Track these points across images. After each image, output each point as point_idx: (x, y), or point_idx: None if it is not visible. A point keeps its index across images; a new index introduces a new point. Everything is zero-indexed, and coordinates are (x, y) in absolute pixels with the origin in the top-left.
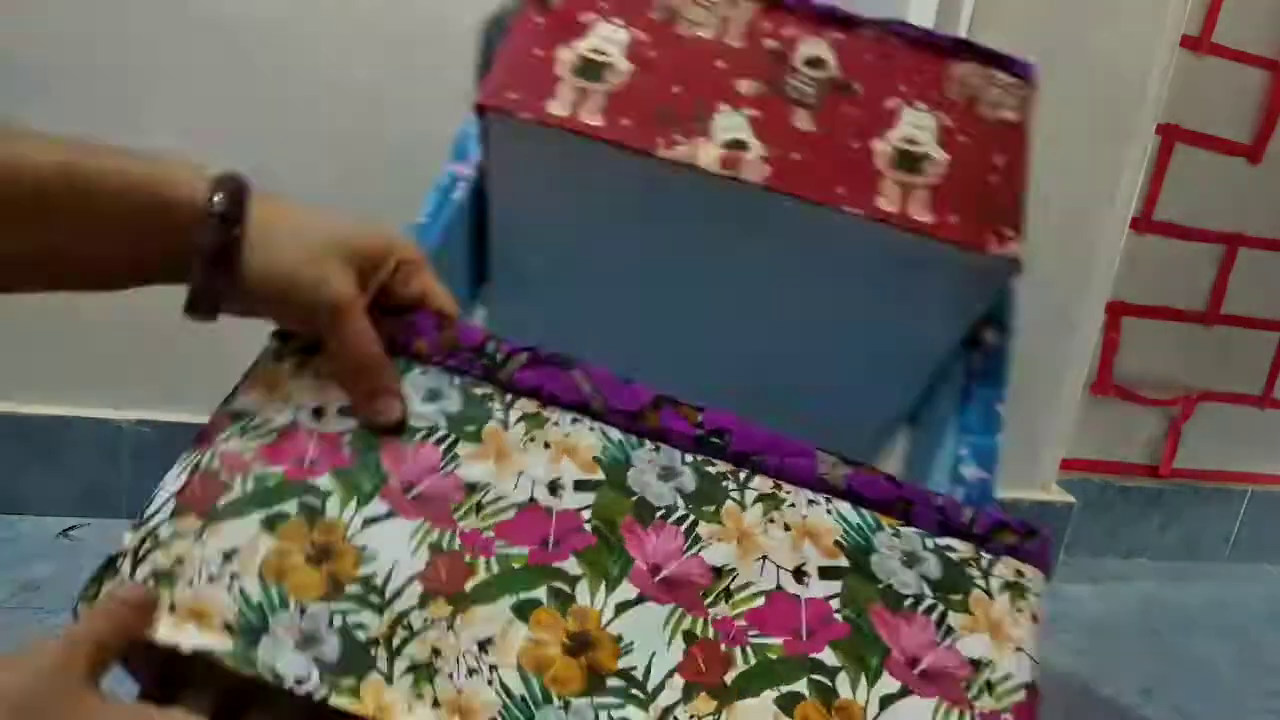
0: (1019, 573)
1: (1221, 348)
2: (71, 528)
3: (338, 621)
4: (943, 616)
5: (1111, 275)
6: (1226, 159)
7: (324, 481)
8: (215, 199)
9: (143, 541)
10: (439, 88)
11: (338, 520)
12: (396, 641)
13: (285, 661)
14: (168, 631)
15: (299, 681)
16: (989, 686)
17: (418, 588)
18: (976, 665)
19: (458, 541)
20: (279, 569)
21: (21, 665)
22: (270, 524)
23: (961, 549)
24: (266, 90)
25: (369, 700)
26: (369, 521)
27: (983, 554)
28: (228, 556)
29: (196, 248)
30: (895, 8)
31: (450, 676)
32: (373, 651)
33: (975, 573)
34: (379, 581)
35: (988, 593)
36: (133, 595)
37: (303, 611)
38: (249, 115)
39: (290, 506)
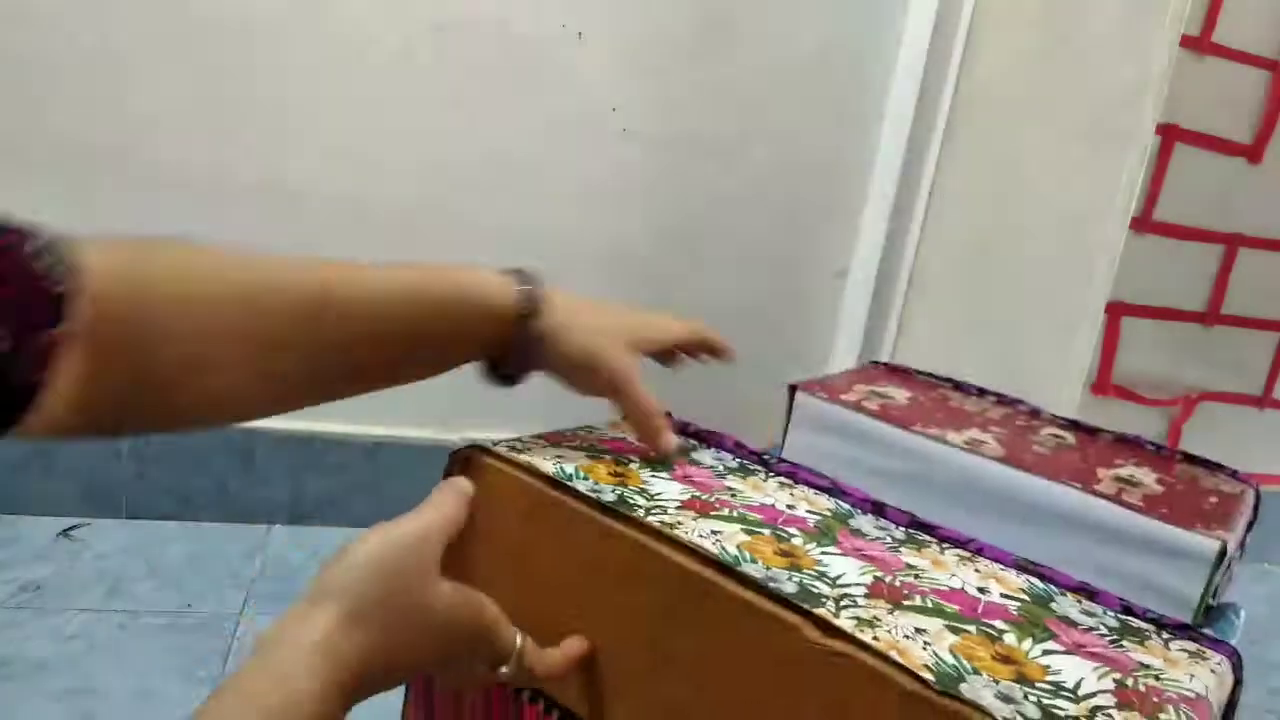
0: (1200, 651)
1: (1221, 348)
2: (72, 528)
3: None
4: (1116, 640)
5: (1111, 275)
6: (1226, 159)
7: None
8: (519, 299)
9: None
10: (440, 90)
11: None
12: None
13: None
14: None
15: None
16: (1156, 677)
17: (863, 589)
18: (1150, 671)
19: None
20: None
21: (389, 533)
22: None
23: (1142, 624)
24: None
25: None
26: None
27: (1164, 630)
28: None
29: (506, 344)
30: (894, 9)
31: (888, 631)
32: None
33: (1152, 635)
34: (830, 575)
35: (1164, 644)
36: (461, 485)
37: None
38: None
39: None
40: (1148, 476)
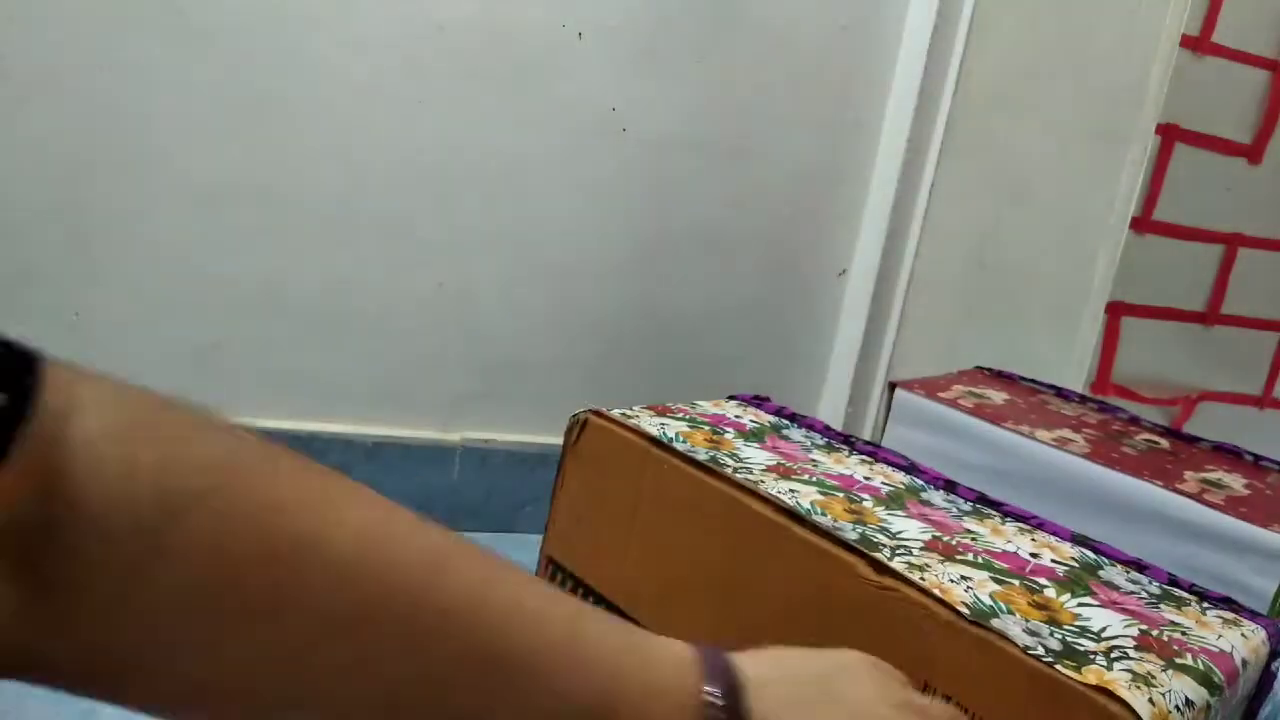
0: (1237, 620)
1: (1221, 348)
2: None
3: None
4: (1154, 603)
5: (1111, 275)
6: (1226, 159)
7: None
8: (711, 694)
9: None
10: (439, 89)
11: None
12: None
13: None
14: None
15: None
16: (1183, 632)
17: (920, 544)
18: (1179, 628)
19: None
20: None
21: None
22: None
23: (1185, 594)
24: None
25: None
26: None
27: (1205, 600)
28: None
29: None
30: (894, 8)
31: (936, 576)
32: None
33: (1192, 603)
34: (891, 530)
35: (1202, 611)
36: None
37: None
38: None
39: None
40: (1236, 481)
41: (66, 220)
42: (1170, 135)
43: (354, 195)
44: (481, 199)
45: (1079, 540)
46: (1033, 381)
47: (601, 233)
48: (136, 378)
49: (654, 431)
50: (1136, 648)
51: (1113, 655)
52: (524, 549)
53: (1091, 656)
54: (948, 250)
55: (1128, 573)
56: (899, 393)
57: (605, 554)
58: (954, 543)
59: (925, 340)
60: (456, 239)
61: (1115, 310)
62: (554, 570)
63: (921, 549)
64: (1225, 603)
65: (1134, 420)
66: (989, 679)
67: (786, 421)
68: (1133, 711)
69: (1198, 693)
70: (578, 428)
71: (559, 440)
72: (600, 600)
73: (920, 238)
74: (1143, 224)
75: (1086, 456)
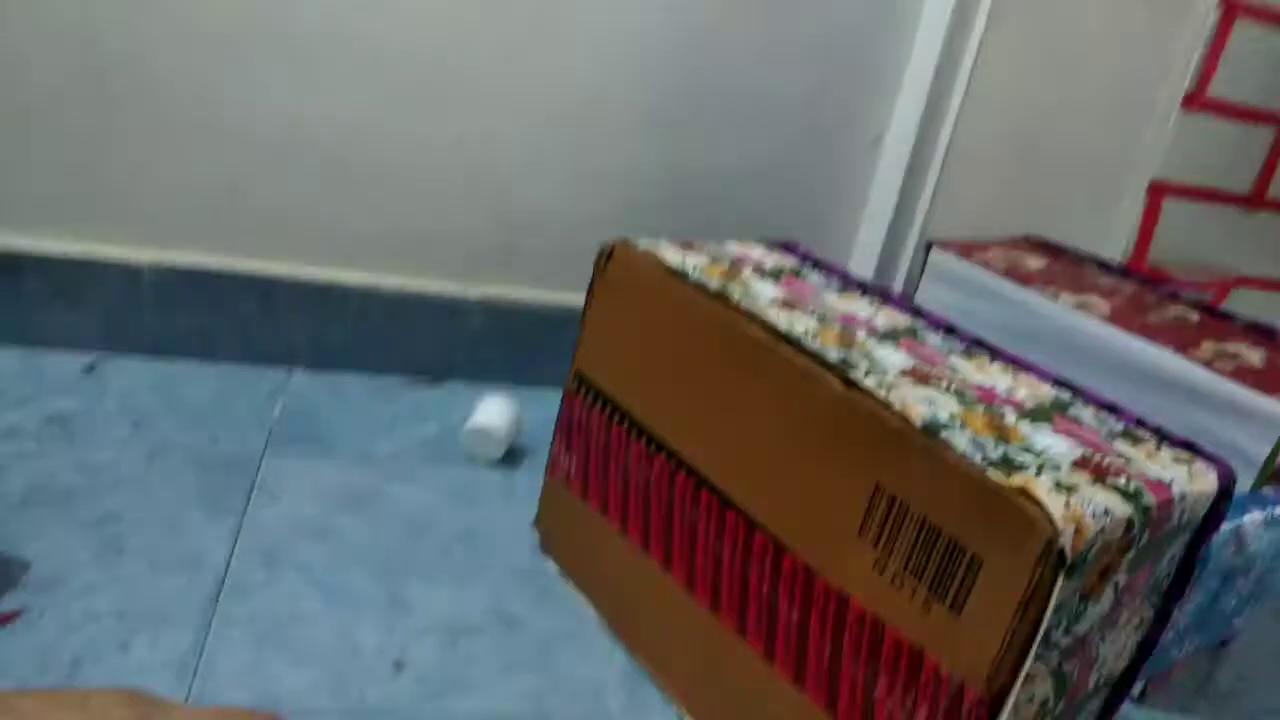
0: (1190, 459)
1: (1263, 232)
2: (95, 363)
3: None
4: (1111, 437)
5: (1158, 153)
6: None
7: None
8: None
9: None
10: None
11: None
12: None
13: None
14: None
15: None
16: (1126, 460)
17: (898, 370)
18: (1123, 457)
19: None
20: None
21: None
22: None
23: (1146, 434)
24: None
25: None
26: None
27: (1165, 441)
28: None
29: None
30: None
31: (903, 394)
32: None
33: (1150, 440)
34: (874, 357)
35: (1156, 449)
36: None
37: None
38: None
39: None
40: (1255, 355)
41: (80, 58)
42: (1232, 9)
43: (377, 39)
44: (504, 48)
45: (1060, 383)
46: (1075, 251)
47: (628, 86)
48: (151, 218)
49: (674, 263)
50: (1073, 465)
51: (1045, 468)
52: (542, 403)
53: (1024, 467)
54: (989, 120)
55: (1097, 413)
56: (934, 252)
57: (626, 371)
58: (932, 372)
59: (958, 212)
60: (479, 89)
61: (1157, 190)
62: (580, 384)
63: (898, 374)
64: (1184, 445)
65: (1173, 295)
66: (929, 483)
67: (809, 266)
68: (1045, 511)
69: (1120, 507)
70: (606, 256)
71: (579, 299)
72: (620, 411)
73: (961, 105)
74: (1194, 101)
75: (1105, 320)
